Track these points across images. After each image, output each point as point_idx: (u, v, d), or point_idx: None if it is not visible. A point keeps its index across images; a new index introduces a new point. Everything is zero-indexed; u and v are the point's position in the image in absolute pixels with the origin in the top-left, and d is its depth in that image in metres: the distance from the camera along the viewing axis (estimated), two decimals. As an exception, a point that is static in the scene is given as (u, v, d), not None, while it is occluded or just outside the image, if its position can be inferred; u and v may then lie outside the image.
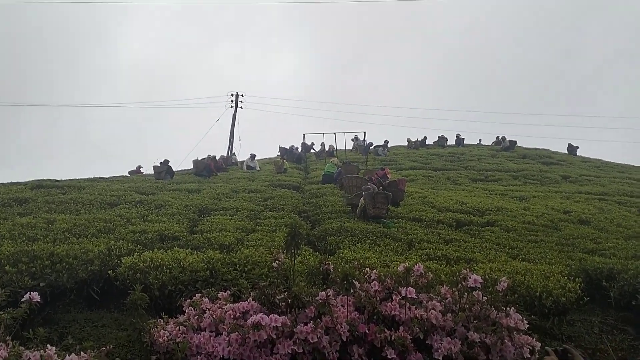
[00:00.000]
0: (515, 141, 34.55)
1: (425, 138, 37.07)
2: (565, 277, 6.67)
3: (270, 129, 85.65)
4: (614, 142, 75.36)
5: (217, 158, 26.37)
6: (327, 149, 30.62)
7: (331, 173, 19.27)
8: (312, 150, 31.71)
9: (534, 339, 4.45)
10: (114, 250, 7.15)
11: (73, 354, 3.59)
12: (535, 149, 34.62)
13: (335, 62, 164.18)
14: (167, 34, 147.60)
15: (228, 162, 28.38)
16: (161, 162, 21.04)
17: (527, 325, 4.71)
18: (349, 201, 12.99)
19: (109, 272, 6.41)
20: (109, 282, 6.50)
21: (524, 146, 35.35)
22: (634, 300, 6.45)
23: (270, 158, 30.95)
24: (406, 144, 36.32)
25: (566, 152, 34.65)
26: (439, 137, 37.06)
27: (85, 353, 3.92)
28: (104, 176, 20.16)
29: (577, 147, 34.77)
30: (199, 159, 23.21)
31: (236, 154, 31.91)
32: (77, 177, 18.67)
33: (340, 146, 30.55)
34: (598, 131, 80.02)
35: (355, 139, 33.26)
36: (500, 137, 35.74)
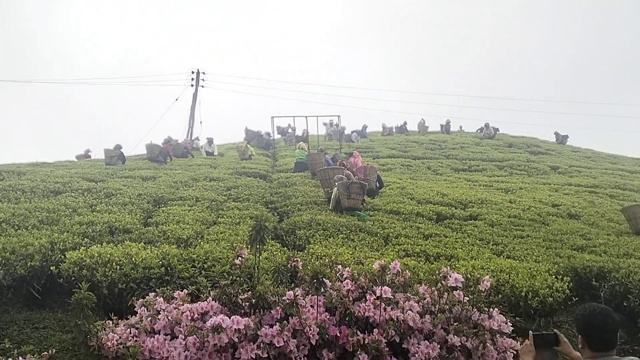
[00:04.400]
0: (498, 128, 34.94)
1: (405, 123, 37.22)
2: (553, 276, 6.80)
3: (239, 111, 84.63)
4: (608, 130, 76.57)
5: (180, 141, 26.05)
6: (301, 133, 30.44)
7: (303, 159, 19.27)
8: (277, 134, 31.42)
9: (518, 343, 4.54)
10: (58, 243, 7.01)
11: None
12: (523, 137, 35.10)
13: (314, 42, 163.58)
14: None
15: (191, 146, 28.06)
16: (115, 147, 20.76)
17: (512, 328, 4.80)
18: (328, 195, 12.93)
19: (51, 268, 6.29)
20: (51, 279, 6.39)
21: (510, 134, 35.79)
22: (626, 301, 6.60)
23: (234, 143, 30.71)
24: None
25: (554, 141, 35.16)
26: (421, 119, 36.95)
27: (25, 358, 3.84)
28: (48, 161, 19.77)
29: (567, 136, 35.15)
30: (153, 142, 22.93)
31: (199, 138, 31.62)
32: (17, 162, 18.27)
33: (312, 131, 30.51)
34: (591, 119, 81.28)
35: (330, 124, 33.11)
36: (484, 124, 36.12)
